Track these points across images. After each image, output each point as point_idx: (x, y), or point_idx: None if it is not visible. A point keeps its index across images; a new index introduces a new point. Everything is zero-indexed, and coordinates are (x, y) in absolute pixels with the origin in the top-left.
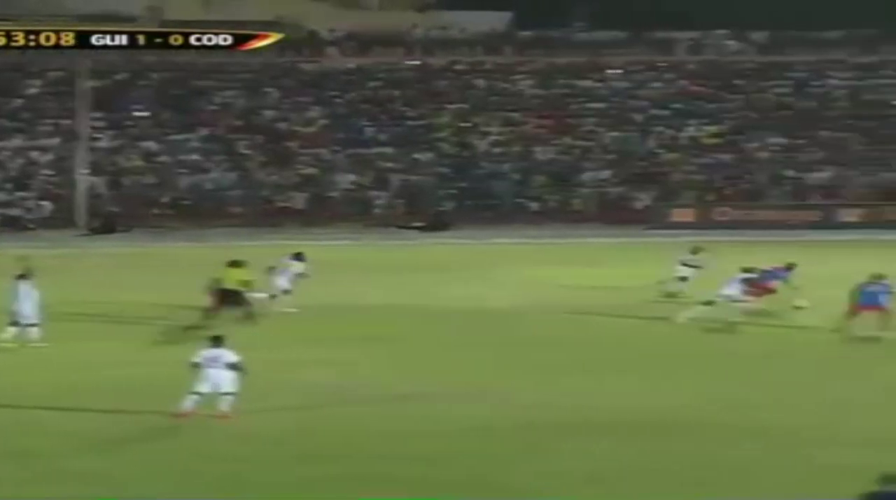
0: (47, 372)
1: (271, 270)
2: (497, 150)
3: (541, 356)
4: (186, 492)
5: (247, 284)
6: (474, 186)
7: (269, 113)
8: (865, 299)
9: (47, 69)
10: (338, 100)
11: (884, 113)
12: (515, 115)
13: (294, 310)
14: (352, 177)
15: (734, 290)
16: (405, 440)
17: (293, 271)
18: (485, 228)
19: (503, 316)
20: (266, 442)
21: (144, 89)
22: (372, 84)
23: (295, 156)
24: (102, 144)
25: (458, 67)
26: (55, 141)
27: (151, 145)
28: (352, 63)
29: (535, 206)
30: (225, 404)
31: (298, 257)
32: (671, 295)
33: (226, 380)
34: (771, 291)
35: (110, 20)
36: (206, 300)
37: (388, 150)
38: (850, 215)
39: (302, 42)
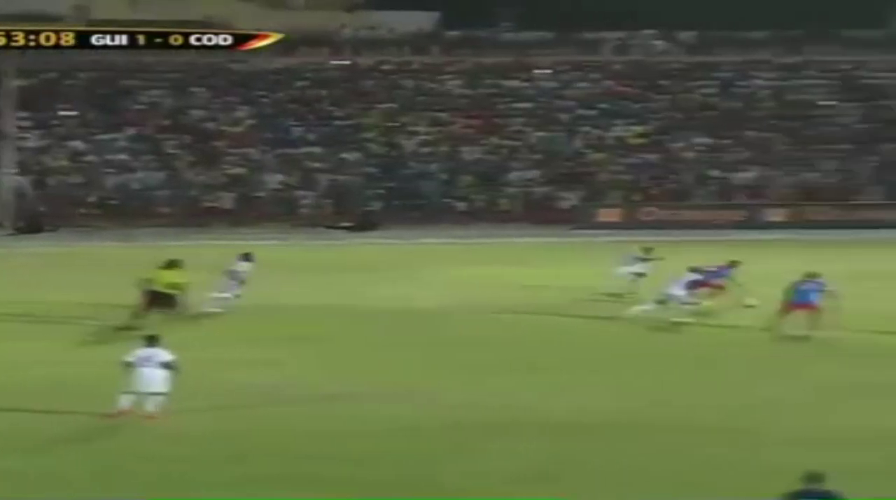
0: None
1: (226, 271)
2: (425, 150)
3: (468, 356)
4: (116, 492)
5: (179, 286)
6: (402, 186)
7: (196, 113)
8: (798, 297)
9: None
10: (265, 100)
11: (808, 113)
12: (443, 115)
13: (219, 310)
14: (279, 177)
15: (681, 290)
16: (333, 440)
17: (241, 270)
18: (412, 228)
19: (430, 316)
20: (196, 442)
21: (71, 89)
22: (299, 84)
23: (222, 156)
24: (29, 143)
25: (385, 67)
26: None
27: (78, 145)
28: (279, 63)
29: (462, 206)
30: (152, 405)
31: (247, 257)
32: (615, 295)
33: (157, 379)
34: (720, 288)
35: (36, 20)
36: (136, 300)
37: (316, 149)
38: (775, 215)
39: None
